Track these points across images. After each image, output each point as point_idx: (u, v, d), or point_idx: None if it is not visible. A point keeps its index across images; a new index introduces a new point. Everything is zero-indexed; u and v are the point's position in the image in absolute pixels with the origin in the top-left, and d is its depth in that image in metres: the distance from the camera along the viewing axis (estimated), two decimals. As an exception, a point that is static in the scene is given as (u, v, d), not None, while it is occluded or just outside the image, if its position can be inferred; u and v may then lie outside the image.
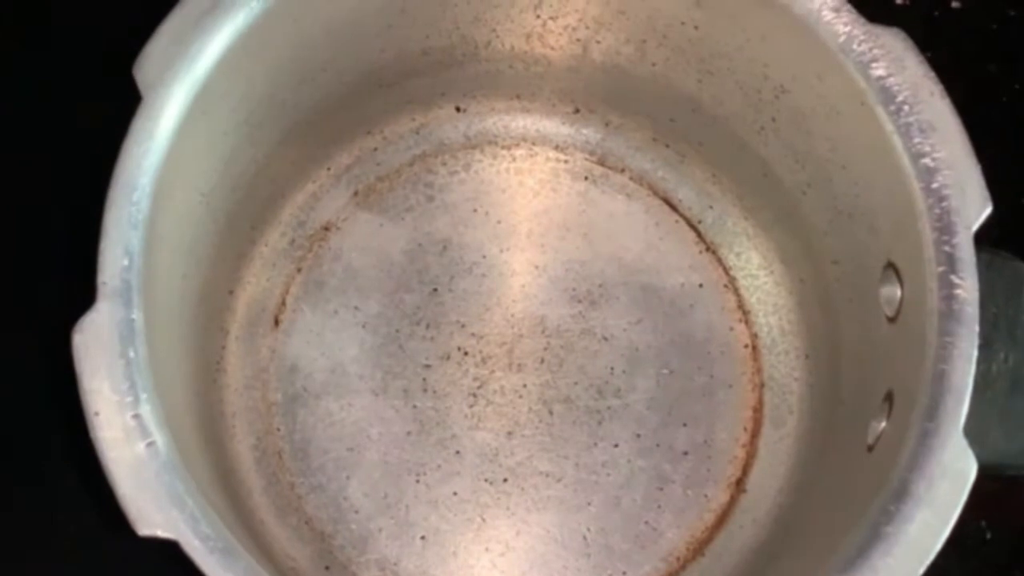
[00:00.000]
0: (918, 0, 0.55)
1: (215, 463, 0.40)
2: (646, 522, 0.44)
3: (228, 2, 0.35)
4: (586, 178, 0.48)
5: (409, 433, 0.45)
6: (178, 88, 0.35)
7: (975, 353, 0.33)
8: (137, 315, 0.33)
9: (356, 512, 0.44)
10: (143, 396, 0.32)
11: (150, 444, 0.32)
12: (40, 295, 0.46)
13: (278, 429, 0.45)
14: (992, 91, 0.54)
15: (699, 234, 0.48)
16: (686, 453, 0.45)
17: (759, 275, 0.47)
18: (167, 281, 0.37)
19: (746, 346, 0.47)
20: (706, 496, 0.45)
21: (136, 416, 0.32)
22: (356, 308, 0.46)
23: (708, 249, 0.47)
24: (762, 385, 0.46)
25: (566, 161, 0.48)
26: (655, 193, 0.48)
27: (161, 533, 0.31)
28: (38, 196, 0.48)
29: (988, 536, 0.48)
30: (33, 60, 0.50)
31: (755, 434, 0.45)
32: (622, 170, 0.48)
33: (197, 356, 0.41)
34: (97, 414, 0.32)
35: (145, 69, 0.34)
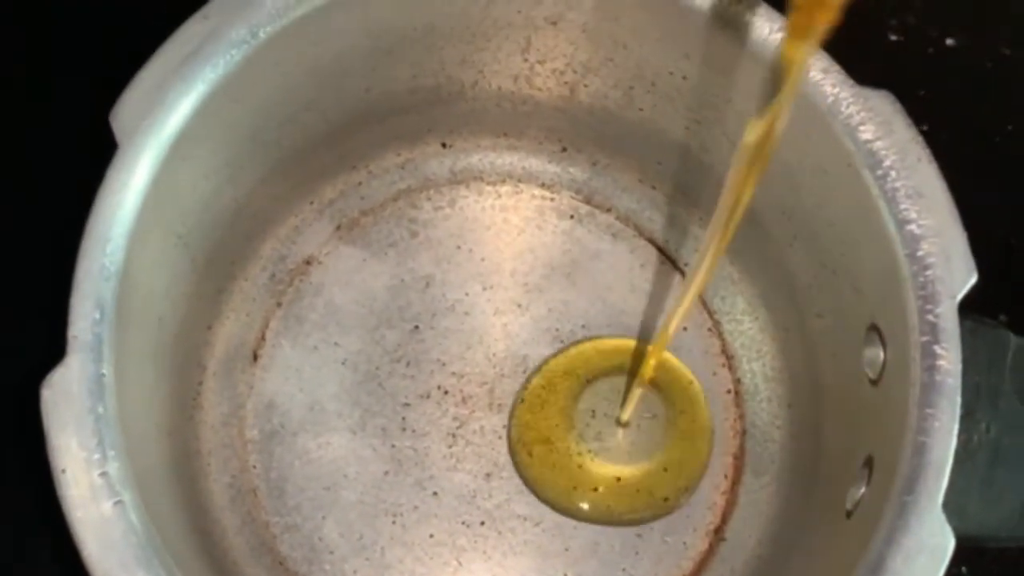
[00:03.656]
0: (912, 37, 0.54)
1: (188, 507, 0.39)
2: (623, 569, 0.44)
3: (208, 49, 0.35)
4: (572, 217, 0.48)
5: (386, 473, 0.44)
6: (155, 136, 0.34)
7: (956, 427, 0.32)
8: (107, 369, 0.32)
9: (331, 553, 0.44)
10: (111, 453, 0.32)
11: (117, 503, 0.31)
12: (10, 347, 0.46)
13: (254, 467, 0.44)
14: (984, 130, 0.53)
15: (684, 276, 0.47)
16: (666, 499, 0.45)
17: (743, 320, 0.46)
18: (141, 327, 0.36)
19: (728, 391, 0.46)
20: (684, 544, 0.44)
21: (104, 474, 0.31)
22: (336, 344, 0.46)
23: (693, 292, 0.47)
24: (744, 432, 0.46)
25: (552, 199, 0.48)
26: (641, 234, 0.48)
27: (127, 595, 0.31)
28: (13, 243, 0.47)
29: (968, 583, 0.48)
30: (19, 104, 0.50)
31: (735, 481, 0.45)
32: (608, 209, 0.48)
33: (172, 395, 0.40)
34: (64, 471, 0.31)
35: (122, 117, 0.34)
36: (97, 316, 0.32)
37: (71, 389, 0.32)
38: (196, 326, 0.43)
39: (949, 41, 0.54)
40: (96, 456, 0.31)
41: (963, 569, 0.48)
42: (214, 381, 0.45)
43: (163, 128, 0.34)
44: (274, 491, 0.44)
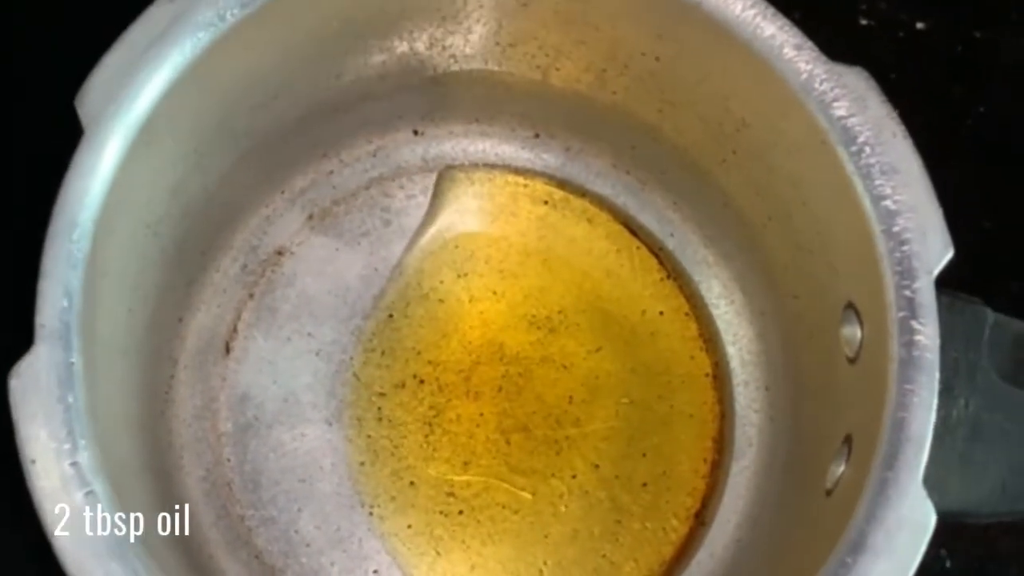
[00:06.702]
0: (882, 21, 0.54)
1: (162, 501, 0.39)
2: (603, 555, 0.44)
3: (175, 32, 0.34)
4: (546, 202, 0.48)
5: (363, 464, 0.44)
6: (121, 121, 0.34)
7: (935, 402, 0.32)
8: (76, 358, 0.32)
9: (307, 545, 0.43)
10: (81, 443, 0.31)
11: (88, 493, 0.31)
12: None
13: (228, 460, 0.44)
14: (956, 113, 0.53)
15: (660, 261, 0.47)
16: (645, 484, 0.45)
17: (720, 304, 0.46)
18: (111, 317, 0.36)
19: (707, 375, 0.46)
20: (664, 529, 0.44)
21: (74, 464, 0.31)
22: (310, 335, 0.45)
23: (669, 276, 0.47)
24: (722, 416, 0.45)
25: (526, 185, 0.48)
26: (616, 219, 0.47)
27: (100, 587, 0.30)
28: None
29: (948, 565, 0.48)
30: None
31: (715, 466, 0.45)
32: (583, 195, 0.48)
33: (144, 389, 0.40)
34: (34, 462, 0.31)
35: (87, 102, 0.33)
36: (65, 304, 0.32)
37: (40, 378, 0.31)
38: (167, 318, 0.42)
39: (920, 25, 0.54)
40: (66, 446, 0.31)
41: (942, 552, 0.48)
42: (186, 374, 0.44)
43: (130, 113, 0.34)
44: (249, 484, 0.44)
